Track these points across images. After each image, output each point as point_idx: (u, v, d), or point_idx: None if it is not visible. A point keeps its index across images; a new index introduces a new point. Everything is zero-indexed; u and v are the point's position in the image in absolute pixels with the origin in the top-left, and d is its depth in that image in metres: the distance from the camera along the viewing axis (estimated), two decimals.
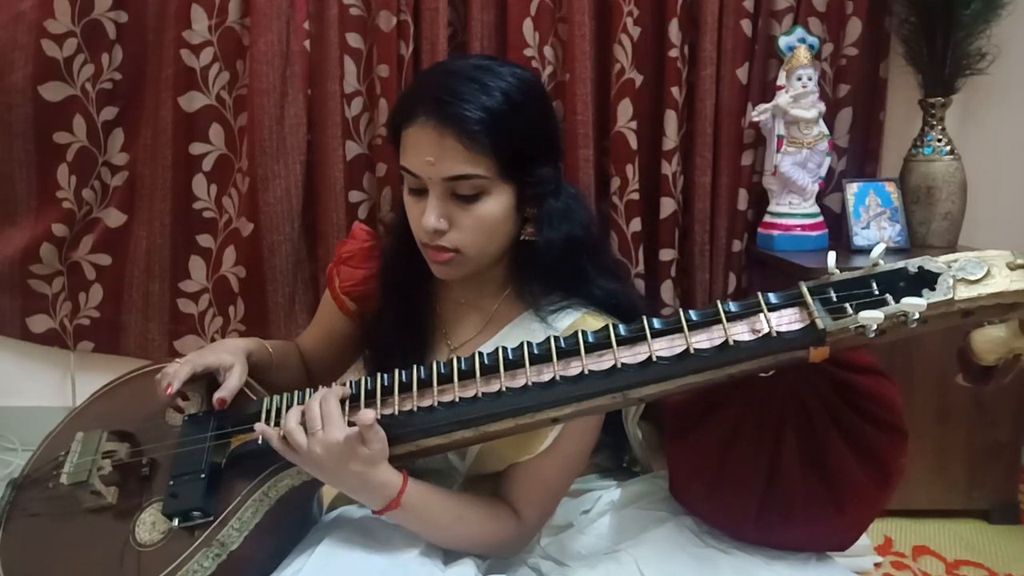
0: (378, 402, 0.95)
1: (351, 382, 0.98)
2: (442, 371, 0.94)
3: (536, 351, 0.91)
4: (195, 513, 0.94)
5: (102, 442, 1.04)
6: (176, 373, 1.02)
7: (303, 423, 0.94)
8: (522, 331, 1.09)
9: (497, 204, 1.03)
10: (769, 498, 0.97)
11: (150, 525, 0.97)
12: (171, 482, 0.97)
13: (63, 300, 2.06)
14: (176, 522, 0.94)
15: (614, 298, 1.11)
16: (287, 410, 0.99)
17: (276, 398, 1.01)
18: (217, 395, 1.02)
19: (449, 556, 1.02)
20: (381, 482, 0.94)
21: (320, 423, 0.92)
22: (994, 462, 1.78)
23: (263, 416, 1.00)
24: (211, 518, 0.94)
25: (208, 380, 1.06)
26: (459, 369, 0.93)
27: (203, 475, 0.96)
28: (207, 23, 1.92)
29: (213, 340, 2.04)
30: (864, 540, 1.13)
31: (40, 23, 1.90)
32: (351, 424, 0.91)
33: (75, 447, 1.04)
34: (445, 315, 1.17)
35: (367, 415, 0.91)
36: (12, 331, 2.07)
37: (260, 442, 0.98)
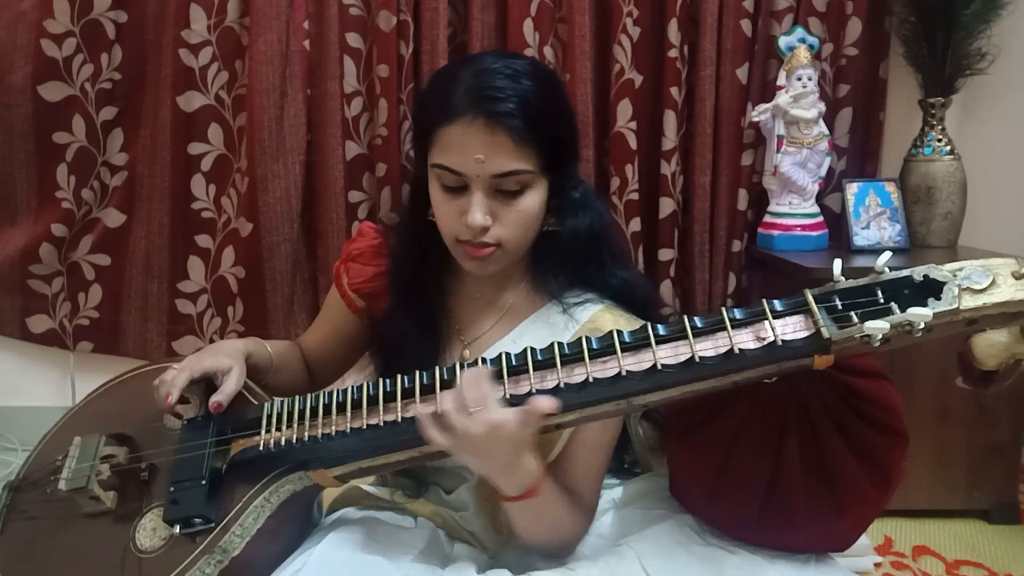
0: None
1: (368, 383, 0.97)
2: (445, 377, 0.93)
3: (540, 357, 0.90)
4: (197, 520, 0.94)
5: (100, 446, 1.03)
6: (174, 381, 1.01)
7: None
8: (543, 323, 1.09)
9: (537, 197, 1.03)
10: (770, 501, 0.97)
11: (151, 531, 0.97)
12: (172, 488, 0.96)
13: (63, 300, 2.05)
14: (177, 529, 0.94)
15: (629, 287, 1.12)
16: (288, 416, 0.98)
17: (277, 403, 1.01)
18: (213, 399, 1.01)
19: (449, 558, 1.02)
20: (528, 467, 0.92)
21: (477, 404, 0.88)
22: (994, 462, 1.78)
23: (263, 422, 0.99)
24: (213, 524, 0.94)
25: (206, 383, 1.05)
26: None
27: (204, 481, 0.95)
28: (206, 23, 1.92)
29: (212, 341, 2.04)
30: (864, 540, 1.12)
31: (40, 23, 1.90)
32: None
33: (73, 451, 1.04)
34: (458, 311, 1.16)
35: (545, 403, 0.87)
36: (12, 331, 2.07)
37: (262, 448, 0.97)
